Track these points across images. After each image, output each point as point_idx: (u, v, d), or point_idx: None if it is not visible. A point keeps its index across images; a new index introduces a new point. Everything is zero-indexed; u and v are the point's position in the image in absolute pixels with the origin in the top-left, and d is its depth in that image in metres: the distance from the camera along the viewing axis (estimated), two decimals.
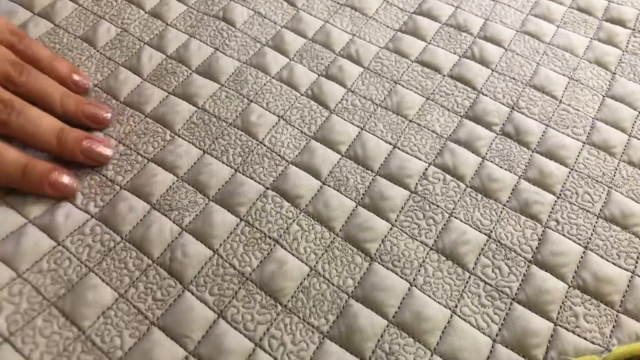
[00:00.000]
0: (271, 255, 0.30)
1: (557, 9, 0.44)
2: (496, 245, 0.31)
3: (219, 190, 0.33)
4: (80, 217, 0.31)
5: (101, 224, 0.31)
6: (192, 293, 0.29)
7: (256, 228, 0.31)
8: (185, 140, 0.35)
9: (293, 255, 0.30)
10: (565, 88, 0.39)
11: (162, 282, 0.29)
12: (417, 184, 0.34)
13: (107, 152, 0.34)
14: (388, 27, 0.42)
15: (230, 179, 0.33)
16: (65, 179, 0.32)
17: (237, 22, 0.42)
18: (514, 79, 0.39)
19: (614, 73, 0.40)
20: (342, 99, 0.38)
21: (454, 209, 0.33)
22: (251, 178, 0.33)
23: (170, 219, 0.31)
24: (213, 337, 0.28)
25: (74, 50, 0.39)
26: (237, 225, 0.31)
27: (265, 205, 0.32)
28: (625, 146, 0.36)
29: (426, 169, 0.34)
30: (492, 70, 0.40)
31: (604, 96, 0.38)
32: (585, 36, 0.42)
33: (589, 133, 0.37)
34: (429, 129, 0.36)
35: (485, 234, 0.32)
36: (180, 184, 0.33)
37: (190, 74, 0.38)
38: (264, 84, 0.38)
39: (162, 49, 0.40)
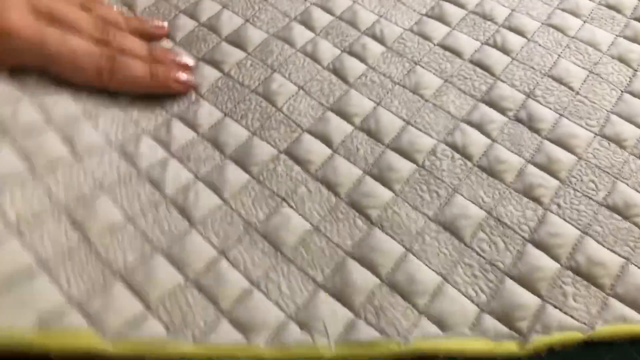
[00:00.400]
0: (277, 211, 0.32)
1: (586, 4, 0.44)
2: (495, 222, 0.32)
3: (235, 149, 0.35)
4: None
5: (121, 158, 0.33)
6: (199, 232, 0.31)
7: (266, 186, 0.33)
8: (209, 102, 0.37)
9: (298, 213, 0.32)
10: (584, 81, 0.39)
11: (171, 217, 0.31)
12: (425, 159, 0.35)
13: (192, 79, 0.38)
14: (415, 11, 0.43)
15: (246, 141, 0.35)
16: (184, 75, 0.37)
17: None
18: (532, 68, 0.40)
19: (636, 70, 0.40)
20: (361, 75, 0.39)
21: (458, 185, 0.34)
22: (266, 142, 0.35)
23: (186, 168, 0.34)
24: (213, 272, 0.29)
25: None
26: (248, 181, 0.33)
27: (277, 167, 0.34)
28: (637, 140, 0.36)
29: (435, 146, 0.35)
30: (513, 59, 0.40)
31: (622, 91, 0.39)
32: (611, 33, 0.42)
33: (602, 125, 0.37)
34: (443, 109, 0.37)
35: (485, 211, 0.33)
36: (199, 140, 0.35)
37: (220, 42, 0.40)
38: (289, 56, 0.40)
39: (195, 17, 0.42)
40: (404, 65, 0.40)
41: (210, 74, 0.39)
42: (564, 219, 0.33)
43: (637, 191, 0.34)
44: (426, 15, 0.43)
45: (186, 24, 0.42)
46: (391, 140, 0.36)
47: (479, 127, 0.37)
